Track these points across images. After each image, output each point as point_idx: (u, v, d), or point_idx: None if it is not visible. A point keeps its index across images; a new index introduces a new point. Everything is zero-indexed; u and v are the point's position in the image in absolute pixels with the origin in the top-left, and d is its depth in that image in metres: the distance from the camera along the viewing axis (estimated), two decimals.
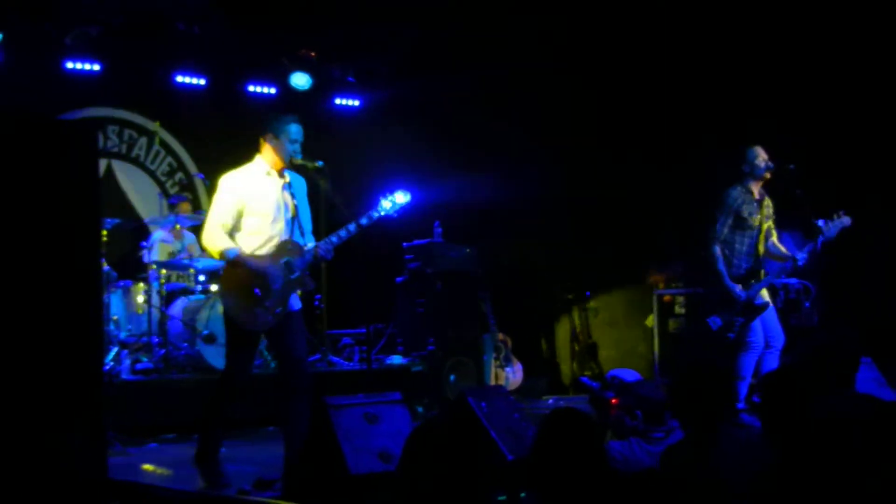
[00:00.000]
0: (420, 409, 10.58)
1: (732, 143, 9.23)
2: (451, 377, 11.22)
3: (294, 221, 7.03)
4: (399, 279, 12.40)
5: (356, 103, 14.02)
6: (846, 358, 5.10)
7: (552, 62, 12.46)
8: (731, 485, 4.24)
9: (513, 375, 11.54)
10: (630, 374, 6.30)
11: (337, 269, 9.87)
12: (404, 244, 12.35)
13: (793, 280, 10.76)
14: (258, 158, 7.02)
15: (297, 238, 7.02)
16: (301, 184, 7.18)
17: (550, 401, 11.90)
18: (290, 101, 12.90)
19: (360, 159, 13.02)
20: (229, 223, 6.85)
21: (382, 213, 7.29)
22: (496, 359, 11.45)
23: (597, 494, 3.88)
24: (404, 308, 12.19)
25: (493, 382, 11.24)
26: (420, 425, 4.03)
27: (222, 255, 6.81)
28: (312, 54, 13.00)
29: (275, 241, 6.92)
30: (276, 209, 6.96)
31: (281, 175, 7.02)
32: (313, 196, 7.38)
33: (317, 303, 11.89)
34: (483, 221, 13.08)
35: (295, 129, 6.99)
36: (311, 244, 7.04)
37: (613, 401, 5.69)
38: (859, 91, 10.71)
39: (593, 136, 12.60)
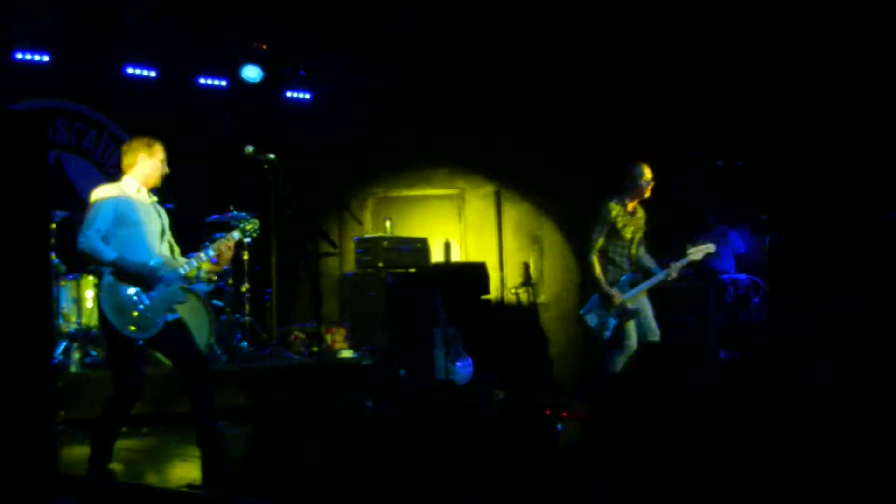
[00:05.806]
0: (370, 404, 10.57)
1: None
2: (401, 371, 11.22)
3: (163, 237, 7.12)
4: (349, 273, 12.38)
5: (307, 96, 13.98)
6: (799, 352, 5.16)
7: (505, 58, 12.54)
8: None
9: (463, 370, 11.53)
10: None
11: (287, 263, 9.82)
12: (355, 238, 12.35)
13: (742, 276, 10.88)
14: (127, 178, 7.04)
15: (168, 254, 7.11)
16: (163, 209, 7.27)
17: (501, 396, 11.90)
18: (241, 94, 12.87)
19: (311, 152, 13.00)
20: (105, 230, 6.82)
21: (239, 238, 7.35)
22: (446, 353, 11.43)
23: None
24: (355, 302, 12.17)
25: (443, 377, 11.23)
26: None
27: (102, 260, 6.76)
28: (263, 47, 12.94)
29: (148, 255, 6.94)
30: (149, 225, 7.02)
31: (149, 194, 7.13)
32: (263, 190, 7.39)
33: (267, 297, 11.86)
34: None
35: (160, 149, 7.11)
36: (182, 260, 7.12)
37: None
38: (809, 86, 10.84)
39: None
